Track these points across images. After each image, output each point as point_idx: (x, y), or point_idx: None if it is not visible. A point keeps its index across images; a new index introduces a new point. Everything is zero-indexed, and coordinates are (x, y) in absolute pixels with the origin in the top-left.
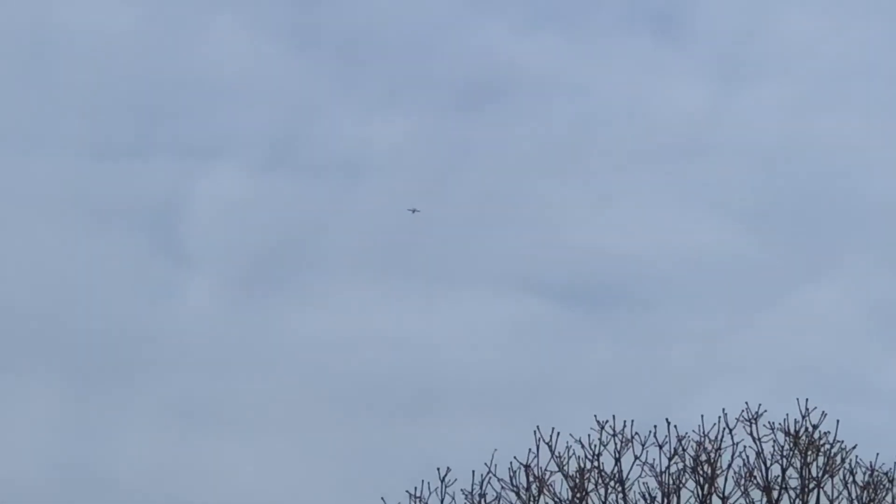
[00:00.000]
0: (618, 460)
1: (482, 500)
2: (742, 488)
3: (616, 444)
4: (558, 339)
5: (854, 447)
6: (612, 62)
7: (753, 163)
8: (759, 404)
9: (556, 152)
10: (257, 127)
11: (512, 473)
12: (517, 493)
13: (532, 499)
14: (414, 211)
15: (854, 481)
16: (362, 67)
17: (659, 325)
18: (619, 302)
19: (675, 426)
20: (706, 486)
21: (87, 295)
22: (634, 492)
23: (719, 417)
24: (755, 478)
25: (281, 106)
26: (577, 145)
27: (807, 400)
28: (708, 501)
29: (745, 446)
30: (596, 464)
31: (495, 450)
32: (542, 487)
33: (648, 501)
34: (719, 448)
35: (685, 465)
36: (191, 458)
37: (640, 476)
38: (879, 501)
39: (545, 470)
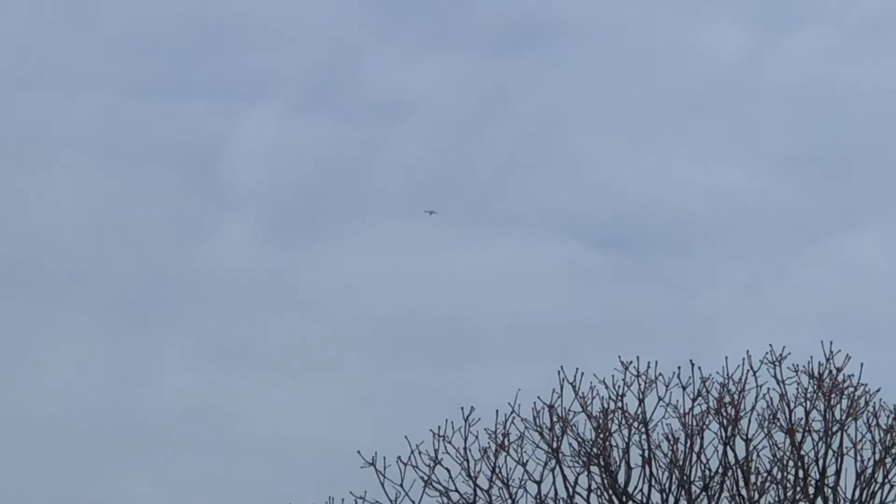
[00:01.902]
0: (641, 401)
1: (505, 440)
2: (765, 430)
3: (640, 384)
4: (594, 284)
5: (878, 390)
6: (653, 5)
7: (794, 109)
8: (783, 346)
9: (595, 96)
10: (298, 68)
11: (536, 413)
12: (540, 433)
13: (555, 439)
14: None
15: (877, 424)
16: (404, 9)
17: (696, 271)
18: (657, 247)
19: (700, 368)
20: (729, 428)
21: (124, 235)
22: (658, 433)
23: (743, 359)
24: (778, 420)
25: (322, 47)
26: (616, 90)
27: (831, 342)
28: (731, 443)
29: (768, 388)
30: (620, 404)
31: (519, 389)
32: (566, 427)
33: (672, 442)
34: (743, 390)
35: (709, 407)
36: (225, 398)
37: (663, 417)
38: None
39: (569, 410)
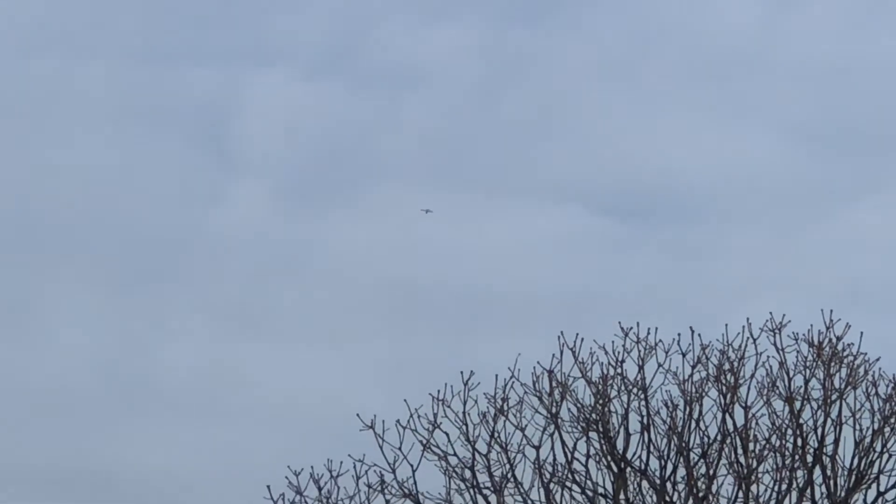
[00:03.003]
0: (641, 367)
1: (504, 405)
2: (764, 398)
3: (639, 351)
4: (606, 252)
5: (878, 359)
6: None
7: (807, 80)
8: (783, 314)
9: (610, 66)
10: (311, 34)
11: (535, 378)
12: (540, 399)
13: (554, 404)
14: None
15: (876, 393)
16: None
17: (707, 240)
18: (668, 216)
19: (700, 335)
20: (728, 395)
21: (135, 199)
22: (657, 399)
23: (743, 327)
24: (777, 388)
25: (336, 12)
26: (630, 59)
27: (831, 311)
28: (730, 410)
29: (768, 356)
30: (619, 370)
31: (518, 354)
32: (565, 393)
33: (671, 409)
34: (742, 357)
35: (708, 374)
36: (236, 363)
37: (662, 384)
38: None
39: (568, 376)
